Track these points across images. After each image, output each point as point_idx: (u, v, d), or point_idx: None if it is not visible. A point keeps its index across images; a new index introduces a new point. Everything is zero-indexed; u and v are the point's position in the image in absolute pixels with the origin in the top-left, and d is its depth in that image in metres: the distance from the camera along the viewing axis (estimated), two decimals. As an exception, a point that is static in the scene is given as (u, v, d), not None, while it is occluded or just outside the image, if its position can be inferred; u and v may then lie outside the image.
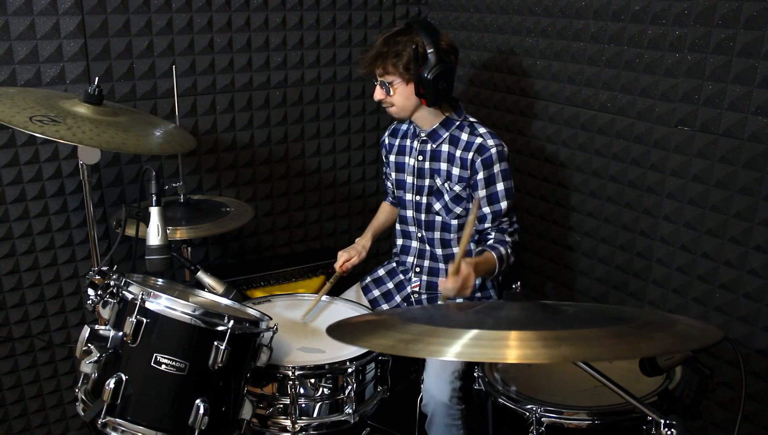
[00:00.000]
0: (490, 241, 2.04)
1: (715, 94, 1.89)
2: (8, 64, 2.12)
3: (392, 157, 2.24)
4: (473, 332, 1.10)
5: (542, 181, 2.50)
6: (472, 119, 2.08)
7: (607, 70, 2.18)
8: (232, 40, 2.47)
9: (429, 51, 1.93)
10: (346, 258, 2.21)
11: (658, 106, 2.04)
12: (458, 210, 2.09)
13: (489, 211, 2.04)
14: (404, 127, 2.23)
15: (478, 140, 2.02)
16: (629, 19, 2.07)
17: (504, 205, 2.03)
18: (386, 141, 2.28)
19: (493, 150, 2.00)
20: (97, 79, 1.83)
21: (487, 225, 2.05)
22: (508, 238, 2.04)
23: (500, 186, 2.02)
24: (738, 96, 1.84)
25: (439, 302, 2.15)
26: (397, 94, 1.99)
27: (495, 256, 1.96)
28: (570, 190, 2.40)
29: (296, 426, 1.75)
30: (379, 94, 2.02)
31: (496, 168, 2.01)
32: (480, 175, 2.01)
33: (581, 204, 2.37)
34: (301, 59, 2.64)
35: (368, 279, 2.33)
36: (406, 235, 2.24)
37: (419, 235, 2.19)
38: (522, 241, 2.58)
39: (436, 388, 1.97)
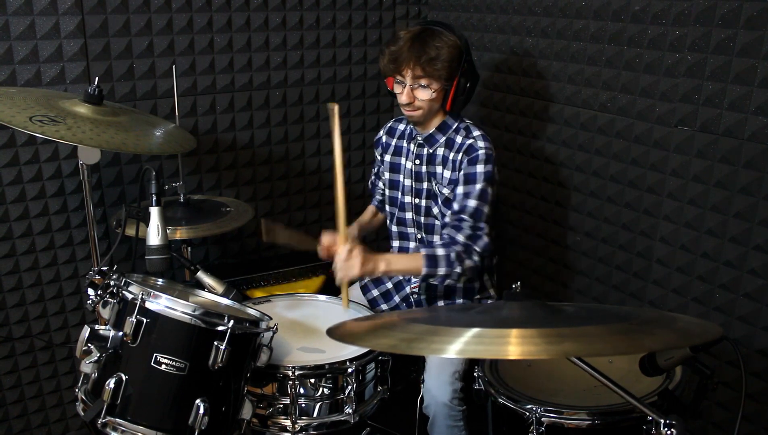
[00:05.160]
0: (436, 240, 2.01)
1: (715, 94, 1.89)
2: (8, 64, 2.12)
3: (387, 157, 2.20)
4: (475, 330, 1.11)
5: (542, 181, 2.50)
6: (468, 122, 2.05)
7: (607, 70, 2.18)
8: (232, 40, 2.47)
9: (467, 57, 1.92)
10: (330, 242, 1.98)
11: (658, 106, 2.04)
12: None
13: (457, 206, 1.94)
14: (401, 127, 2.20)
15: (469, 141, 1.97)
16: (629, 19, 2.07)
17: (473, 204, 1.92)
18: (383, 139, 2.23)
19: (481, 151, 1.94)
20: (97, 79, 1.83)
21: (447, 216, 1.97)
22: (461, 239, 1.92)
23: (478, 186, 1.93)
24: (738, 96, 1.84)
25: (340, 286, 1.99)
26: (429, 98, 1.92)
27: (423, 255, 1.87)
28: (570, 190, 2.40)
29: (296, 426, 1.75)
30: (408, 96, 1.91)
31: (480, 168, 1.94)
32: (462, 172, 1.95)
33: (581, 204, 2.37)
34: (301, 59, 2.64)
35: (367, 278, 2.31)
36: (404, 236, 2.21)
37: (419, 236, 2.17)
38: (522, 241, 2.58)
39: (437, 389, 1.96)
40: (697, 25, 1.90)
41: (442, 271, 1.89)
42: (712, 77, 1.89)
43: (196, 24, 2.39)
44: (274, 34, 2.56)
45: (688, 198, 2.01)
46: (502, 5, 2.52)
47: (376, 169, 2.33)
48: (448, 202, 2.03)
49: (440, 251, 1.89)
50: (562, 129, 2.37)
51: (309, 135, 2.76)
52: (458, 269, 1.90)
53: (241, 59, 2.51)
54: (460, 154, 1.98)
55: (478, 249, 1.93)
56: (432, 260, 1.88)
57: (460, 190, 1.96)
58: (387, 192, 2.22)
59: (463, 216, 1.93)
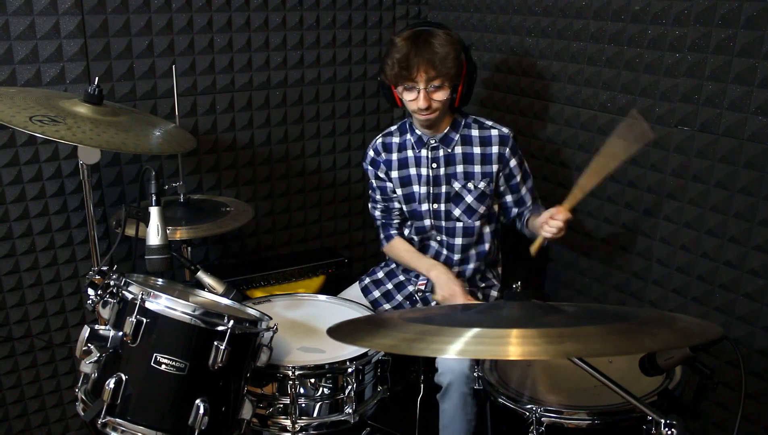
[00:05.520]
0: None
1: (715, 94, 1.89)
2: (8, 64, 2.12)
3: (395, 173, 2.14)
4: (475, 330, 1.10)
5: (542, 181, 2.49)
6: (472, 116, 2.10)
7: (607, 70, 2.18)
8: (232, 40, 2.47)
9: (467, 51, 1.97)
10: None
11: (658, 106, 2.04)
12: (482, 209, 2.07)
13: (526, 189, 2.13)
14: (396, 139, 2.15)
15: (494, 132, 2.05)
16: (629, 19, 2.07)
17: (530, 183, 2.15)
18: (381, 158, 2.15)
19: (510, 135, 2.07)
20: (97, 79, 1.83)
21: (529, 202, 2.15)
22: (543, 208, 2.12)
23: (525, 165, 2.13)
24: (738, 96, 1.84)
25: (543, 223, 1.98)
26: (446, 98, 1.94)
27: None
28: (570, 190, 2.39)
29: (296, 426, 1.75)
30: (426, 100, 1.91)
31: (518, 152, 2.09)
32: (514, 162, 2.07)
33: (581, 204, 2.35)
34: (301, 59, 2.64)
35: (367, 280, 2.32)
36: (425, 239, 2.20)
37: (439, 238, 2.16)
38: (522, 240, 2.58)
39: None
40: (697, 25, 1.90)
41: None
42: (712, 77, 1.89)
43: (196, 24, 2.39)
44: (274, 34, 2.56)
45: (688, 198, 2.01)
46: (502, 5, 2.52)
47: (379, 195, 2.21)
48: (482, 197, 2.07)
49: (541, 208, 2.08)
50: (562, 129, 2.37)
51: (309, 135, 2.76)
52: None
53: (241, 59, 2.51)
54: (495, 146, 2.05)
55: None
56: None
57: (520, 176, 2.11)
58: (405, 207, 2.17)
59: (534, 196, 2.16)
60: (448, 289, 2.02)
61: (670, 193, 2.06)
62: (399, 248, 2.21)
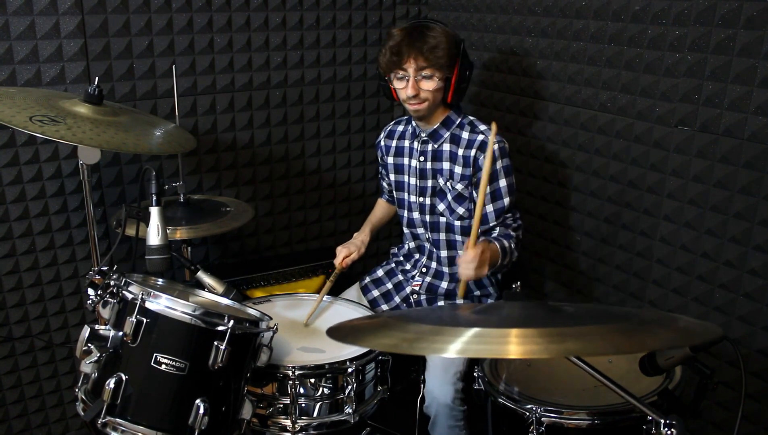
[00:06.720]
0: (494, 235, 2.01)
1: (715, 94, 1.89)
2: (8, 64, 2.12)
3: (390, 159, 2.22)
4: (475, 330, 1.10)
5: (542, 181, 2.50)
6: (471, 117, 2.08)
7: (607, 70, 2.18)
8: (232, 40, 2.47)
9: (462, 47, 1.97)
10: (345, 253, 2.17)
11: (658, 106, 2.04)
12: (461, 210, 2.07)
13: (492, 208, 2.02)
14: (400, 128, 2.23)
15: (480, 137, 2.01)
16: (629, 19, 2.07)
17: (506, 201, 2.02)
18: (382, 143, 2.26)
19: (495, 146, 1.97)
20: (97, 79, 1.83)
21: (492, 223, 2.03)
22: (512, 233, 2.02)
23: (502, 182, 2.01)
24: (738, 96, 1.84)
25: (459, 279, 1.94)
26: (434, 88, 1.96)
27: (498, 247, 1.91)
28: (570, 190, 2.40)
29: (296, 426, 1.75)
30: (414, 88, 1.94)
31: (498, 164, 2.00)
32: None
33: (581, 204, 2.37)
34: (301, 59, 2.64)
35: (367, 279, 2.33)
36: (416, 236, 2.23)
37: (427, 236, 2.18)
38: (522, 241, 2.58)
39: (439, 390, 1.96)
40: (697, 25, 1.90)
41: (507, 259, 1.95)
42: (712, 77, 1.89)
43: (196, 24, 2.39)
44: (274, 34, 2.56)
45: (688, 198, 2.01)
46: (502, 5, 2.52)
47: (382, 171, 2.35)
48: (460, 199, 2.06)
49: (506, 242, 1.95)
50: (562, 129, 2.37)
51: (309, 135, 2.76)
52: (515, 256, 1.99)
53: (241, 59, 2.51)
54: (473, 150, 2.01)
55: (521, 236, 2.06)
56: (504, 252, 1.93)
57: (487, 190, 1.97)
58: (395, 194, 2.25)
59: (503, 215, 2.03)
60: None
61: (670, 193, 2.06)
62: (376, 206, 2.46)
